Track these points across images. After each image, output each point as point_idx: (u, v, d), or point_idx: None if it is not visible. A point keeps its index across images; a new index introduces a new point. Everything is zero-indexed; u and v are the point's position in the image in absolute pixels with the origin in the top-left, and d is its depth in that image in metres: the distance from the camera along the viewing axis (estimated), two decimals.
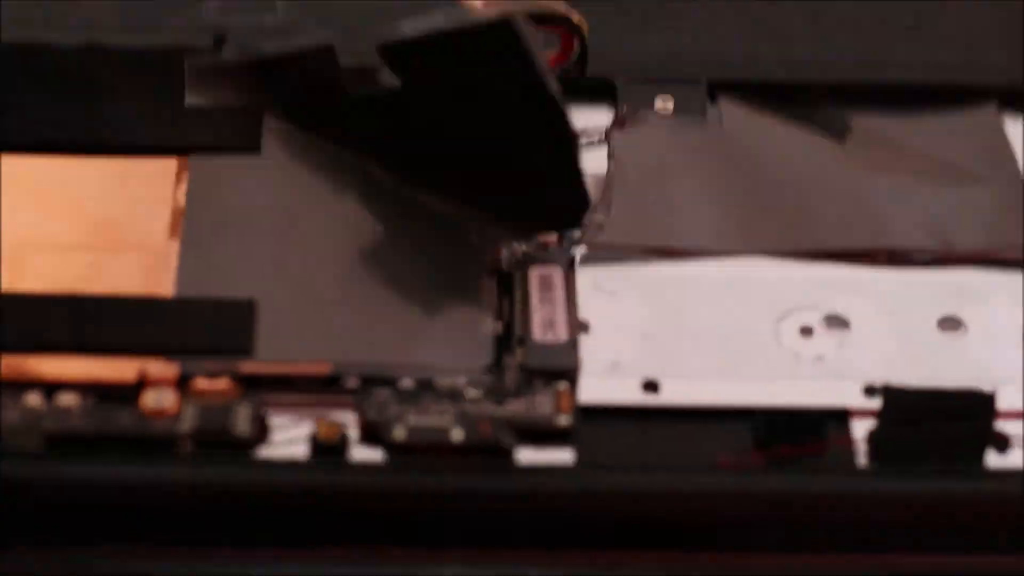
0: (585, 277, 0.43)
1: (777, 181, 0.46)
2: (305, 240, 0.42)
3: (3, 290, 0.40)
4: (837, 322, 0.43)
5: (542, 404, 0.40)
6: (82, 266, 0.41)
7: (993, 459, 0.40)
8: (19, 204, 0.42)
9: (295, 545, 0.38)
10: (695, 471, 0.38)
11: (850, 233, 0.44)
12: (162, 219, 0.43)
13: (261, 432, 0.39)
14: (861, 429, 0.40)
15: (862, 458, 0.39)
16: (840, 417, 0.40)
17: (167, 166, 0.44)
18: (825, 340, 0.42)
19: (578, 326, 0.41)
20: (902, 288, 0.43)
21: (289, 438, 0.39)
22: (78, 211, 0.43)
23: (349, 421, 0.39)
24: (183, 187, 0.43)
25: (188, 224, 0.42)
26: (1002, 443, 0.40)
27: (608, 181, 0.45)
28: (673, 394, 0.41)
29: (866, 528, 0.39)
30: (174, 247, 0.42)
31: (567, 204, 0.43)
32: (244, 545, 0.37)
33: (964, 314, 0.43)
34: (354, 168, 0.44)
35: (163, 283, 0.41)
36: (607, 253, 0.43)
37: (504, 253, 0.43)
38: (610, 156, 0.46)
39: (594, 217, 0.44)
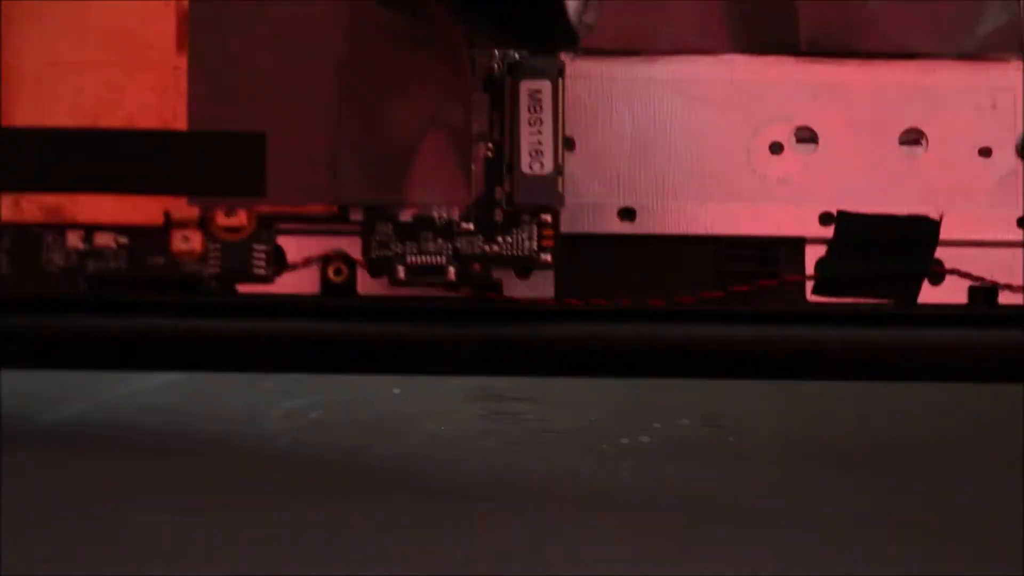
0: (574, 84, 0.45)
1: None
2: (305, 58, 0.44)
3: (26, 115, 0.43)
4: (806, 136, 0.45)
5: (527, 240, 0.44)
6: (99, 87, 0.43)
7: (927, 290, 0.45)
8: (26, 18, 0.44)
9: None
10: (653, 314, 0.44)
11: (833, 36, 0.45)
12: (168, 26, 0.44)
13: (278, 267, 0.44)
14: (816, 255, 0.45)
15: (810, 295, 0.45)
16: (797, 244, 0.45)
17: None
18: (792, 159, 0.45)
19: (563, 151, 0.44)
20: (873, 94, 0.45)
21: (303, 271, 0.44)
22: (88, 22, 0.44)
23: (355, 248, 0.44)
24: None
25: (193, 38, 0.44)
26: (938, 276, 0.45)
27: None
28: (646, 223, 0.45)
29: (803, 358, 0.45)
30: (183, 63, 0.44)
31: (550, 22, 0.43)
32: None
33: (927, 126, 0.45)
34: None
35: (177, 105, 0.43)
36: (597, 55, 0.45)
37: (496, 59, 0.45)
38: None
39: (584, 19, 0.45)
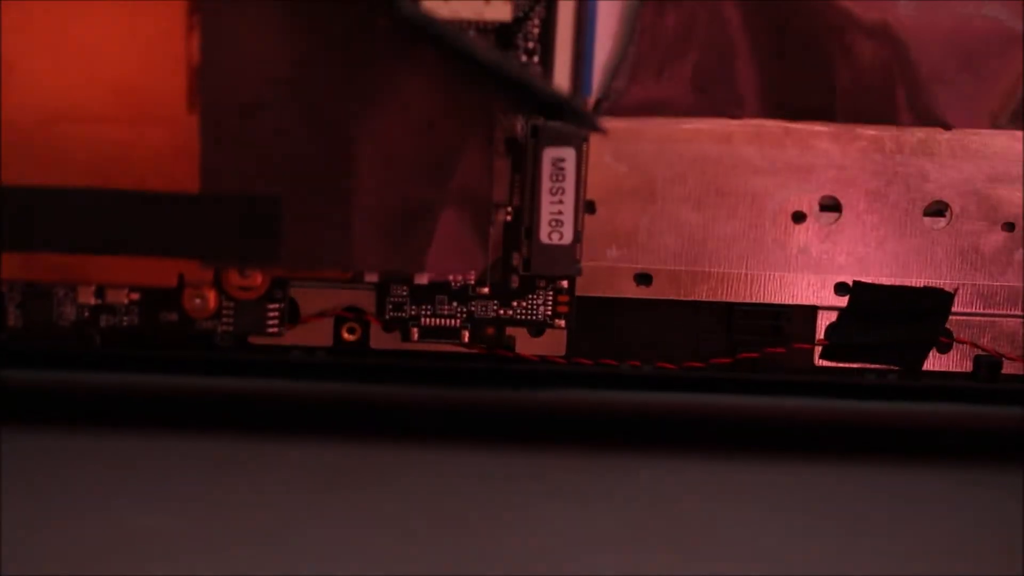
0: (598, 145, 0.43)
1: (807, 34, 0.43)
2: (322, 120, 0.41)
3: (31, 172, 0.41)
4: (830, 204, 0.44)
5: (542, 307, 0.43)
6: (111, 143, 0.41)
7: (933, 359, 0.45)
8: (36, 66, 0.41)
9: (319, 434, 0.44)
10: (660, 380, 0.44)
11: (869, 106, 0.43)
12: (179, 82, 0.41)
13: (291, 323, 0.43)
14: (827, 322, 0.45)
15: (818, 360, 0.45)
16: (810, 312, 0.44)
17: (174, 10, 0.41)
18: (814, 229, 0.44)
19: (583, 219, 0.43)
20: (902, 165, 0.44)
21: (317, 327, 0.44)
22: (96, 74, 0.41)
23: (370, 300, 0.43)
24: (195, 37, 0.41)
25: (205, 96, 0.41)
26: (945, 346, 0.45)
27: (631, 34, 0.43)
28: (662, 288, 0.44)
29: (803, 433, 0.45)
30: (195, 122, 0.41)
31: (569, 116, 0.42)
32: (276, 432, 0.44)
33: (953, 198, 0.44)
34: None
35: (189, 165, 0.41)
36: (623, 116, 0.43)
37: (520, 122, 0.43)
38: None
39: (613, 84, 0.43)
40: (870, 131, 0.44)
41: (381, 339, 0.45)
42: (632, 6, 0.43)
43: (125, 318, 0.44)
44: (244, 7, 0.42)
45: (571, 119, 0.41)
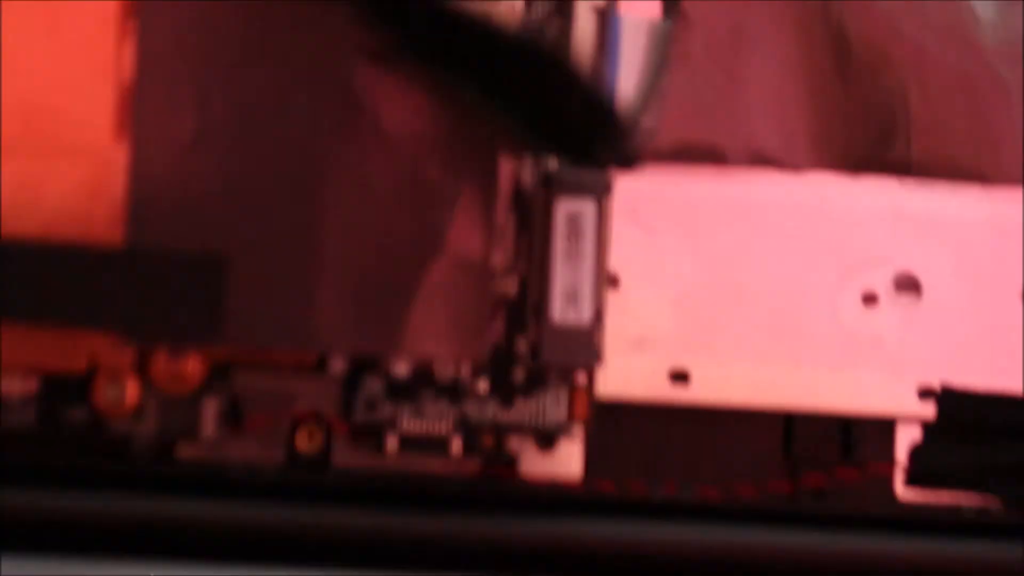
0: (621, 204, 0.36)
1: (873, 68, 0.37)
2: (281, 157, 0.34)
3: None
4: (907, 284, 0.37)
5: (554, 407, 0.35)
6: (13, 180, 0.33)
7: None
8: None
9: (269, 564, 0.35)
10: (702, 518, 0.35)
11: (951, 152, 0.37)
12: (105, 103, 0.34)
13: (233, 429, 0.34)
14: (908, 437, 0.36)
15: (900, 487, 0.36)
16: (887, 425, 0.36)
17: (104, 14, 0.34)
18: (889, 314, 0.36)
19: (606, 293, 0.35)
20: (994, 235, 0.37)
21: (265, 433, 0.35)
22: (4, 92, 0.34)
23: (334, 402, 0.35)
24: (128, 49, 0.34)
25: (138, 124, 0.34)
26: None
27: (665, 63, 0.36)
28: (703, 388, 0.36)
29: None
30: (122, 154, 0.34)
31: (603, 136, 0.34)
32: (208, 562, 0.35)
33: None
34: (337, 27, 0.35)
35: (111, 209, 0.33)
36: (653, 165, 0.36)
37: (526, 171, 0.35)
38: (672, 16, 0.36)
39: (642, 122, 0.36)
40: (951, 189, 0.37)
41: (347, 452, 0.36)
42: (665, 26, 0.37)
43: (17, 416, 0.35)
44: (192, 12, 0.35)
45: (607, 142, 0.33)
